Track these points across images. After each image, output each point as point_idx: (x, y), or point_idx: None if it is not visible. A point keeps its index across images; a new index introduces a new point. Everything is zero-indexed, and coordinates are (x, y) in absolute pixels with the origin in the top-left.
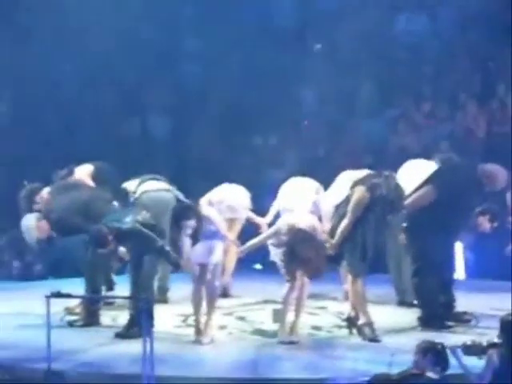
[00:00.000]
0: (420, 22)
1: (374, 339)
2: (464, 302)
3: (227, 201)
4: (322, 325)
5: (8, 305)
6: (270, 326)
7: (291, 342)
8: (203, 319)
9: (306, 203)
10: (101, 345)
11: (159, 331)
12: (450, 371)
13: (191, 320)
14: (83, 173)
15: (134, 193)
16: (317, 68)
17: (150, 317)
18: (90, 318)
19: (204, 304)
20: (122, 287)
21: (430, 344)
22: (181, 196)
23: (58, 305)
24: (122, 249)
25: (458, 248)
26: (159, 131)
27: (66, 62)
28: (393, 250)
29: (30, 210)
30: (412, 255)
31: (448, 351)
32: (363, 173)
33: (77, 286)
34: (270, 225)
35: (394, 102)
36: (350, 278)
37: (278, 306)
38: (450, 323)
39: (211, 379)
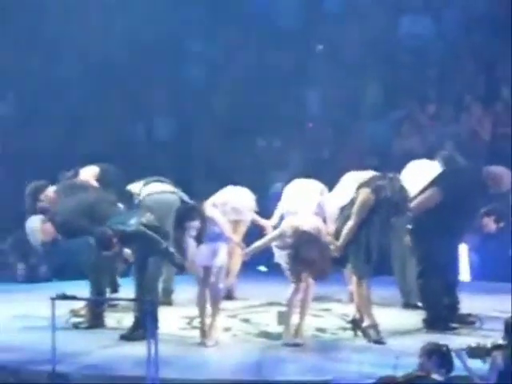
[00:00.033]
0: (425, 24)
1: (378, 341)
2: (468, 303)
3: (232, 203)
4: (326, 327)
5: (13, 307)
6: (274, 328)
7: (296, 344)
8: (208, 321)
9: (310, 205)
10: (105, 347)
11: (164, 333)
12: (454, 373)
13: (196, 322)
14: (88, 174)
15: (139, 195)
16: (321, 70)
17: (155, 319)
18: (95, 320)
19: (208, 306)
20: (127, 289)
21: (434, 346)
22: (185, 198)
23: (63, 307)
24: (126, 251)
25: (463, 250)
26: (164, 133)
27: (72, 65)
28: (397, 252)
29: (34, 208)
30: (417, 257)
31: (453, 353)
32: (368, 174)
33: (81, 288)
34: (275, 227)
35: (399, 103)
36: (354, 279)
37: (283, 308)
38: (454, 325)
39: (216, 381)
